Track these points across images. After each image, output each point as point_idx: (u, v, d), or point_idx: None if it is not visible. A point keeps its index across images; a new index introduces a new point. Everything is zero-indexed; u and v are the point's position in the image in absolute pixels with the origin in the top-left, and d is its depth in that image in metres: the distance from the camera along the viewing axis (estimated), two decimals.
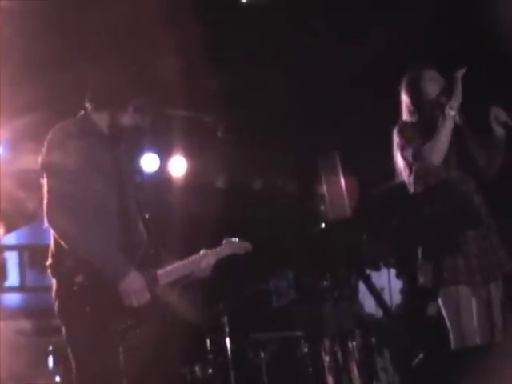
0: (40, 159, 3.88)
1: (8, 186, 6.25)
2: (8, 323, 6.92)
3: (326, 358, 6.79)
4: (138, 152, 4.25)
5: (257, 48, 6.60)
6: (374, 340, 6.94)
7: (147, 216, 4.06)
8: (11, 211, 6.66)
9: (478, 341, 4.54)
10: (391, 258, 7.47)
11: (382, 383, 6.77)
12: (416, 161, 4.59)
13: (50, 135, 3.90)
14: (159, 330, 3.85)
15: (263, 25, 6.38)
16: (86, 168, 3.82)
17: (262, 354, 6.97)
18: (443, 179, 4.62)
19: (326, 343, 6.85)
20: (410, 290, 7.45)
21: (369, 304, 7.68)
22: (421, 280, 4.67)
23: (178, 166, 8.33)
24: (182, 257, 4.20)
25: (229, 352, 6.95)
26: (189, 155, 8.30)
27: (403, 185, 4.85)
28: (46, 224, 3.80)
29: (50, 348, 6.65)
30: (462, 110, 4.59)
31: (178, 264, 4.09)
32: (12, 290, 8.30)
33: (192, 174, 8.36)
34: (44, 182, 3.85)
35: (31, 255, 8.35)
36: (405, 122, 4.81)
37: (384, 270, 7.60)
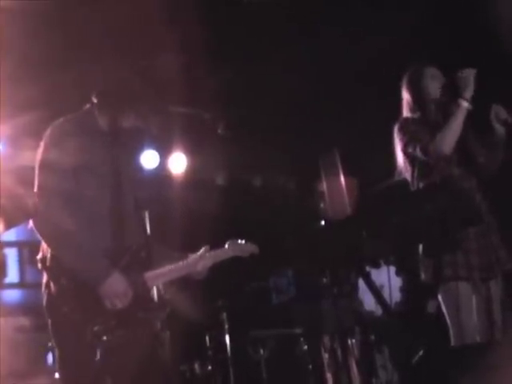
0: (38, 155, 3.87)
1: (8, 183, 6.23)
2: (7, 320, 6.91)
3: (326, 356, 6.78)
4: (138, 152, 4.21)
5: (257, 45, 6.60)
6: (373, 337, 6.94)
7: (146, 214, 4.03)
8: (11, 208, 6.63)
9: (477, 338, 4.55)
10: (391, 256, 7.47)
11: (382, 381, 6.78)
12: (427, 155, 4.58)
13: (48, 132, 3.88)
14: (141, 331, 3.83)
15: (263, 22, 6.38)
16: (80, 167, 3.79)
17: (262, 351, 6.96)
18: (444, 177, 4.62)
19: (326, 340, 6.85)
20: (410, 288, 7.45)
21: (368, 301, 7.68)
22: (422, 277, 4.68)
23: (178, 163, 8.32)
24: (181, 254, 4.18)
25: (228, 349, 6.95)
26: (189, 152, 8.29)
27: (403, 182, 4.85)
28: (30, 223, 3.80)
29: (50, 344, 6.65)
30: None
31: (171, 266, 4.02)
32: (11, 286, 8.28)
33: (192, 171, 8.35)
34: (36, 178, 3.84)
35: (31, 252, 8.32)
36: (406, 119, 4.81)
37: (384, 268, 7.60)
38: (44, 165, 3.81)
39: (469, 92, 4.52)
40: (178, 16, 5.80)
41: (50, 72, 5.87)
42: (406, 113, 4.85)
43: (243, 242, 4.32)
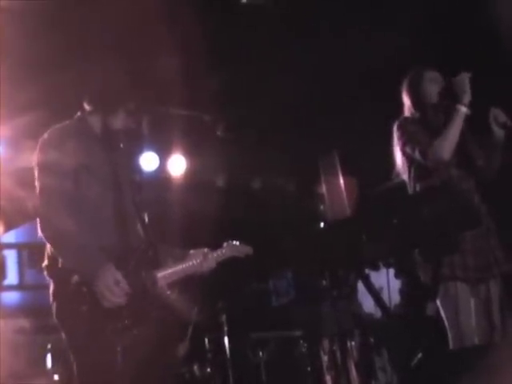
0: (34, 159, 3.87)
1: (8, 185, 6.26)
2: (7, 322, 6.92)
3: (325, 358, 6.78)
4: (137, 153, 4.23)
5: (256, 47, 6.60)
6: (372, 340, 6.94)
7: (146, 216, 4.05)
8: (11, 209, 6.66)
9: (476, 340, 4.55)
10: (390, 258, 7.47)
11: (381, 383, 6.77)
12: (426, 159, 4.58)
13: (45, 136, 3.89)
14: (157, 331, 3.84)
15: (262, 23, 6.38)
16: (80, 169, 3.80)
17: (261, 354, 6.97)
18: (443, 179, 4.63)
19: (325, 343, 6.85)
20: (409, 290, 7.45)
21: (368, 304, 7.68)
22: (421, 279, 4.68)
23: (178, 165, 8.33)
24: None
25: (227, 351, 6.95)
26: (188, 154, 8.30)
27: (403, 184, 4.86)
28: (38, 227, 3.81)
29: (49, 346, 6.65)
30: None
31: (178, 267, 4.08)
32: (11, 288, 8.29)
33: (191, 173, 8.36)
34: (36, 181, 3.84)
35: (30, 254, 8.35)
36: (405, 118, 4.82)
37: (383, 270, 7.60)
38: (45, 167, 3.82)
39: (467, 97, 4.53)
40: (177, 17, 5.80)
41: (49, 73, 5.87)
42: (406, 114, 4.86)
43: (237, 243, 4.43)
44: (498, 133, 4.65)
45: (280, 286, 8.64)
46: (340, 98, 7.07)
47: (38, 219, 3.79)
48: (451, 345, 4.58)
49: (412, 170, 4.73)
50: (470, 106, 4.54)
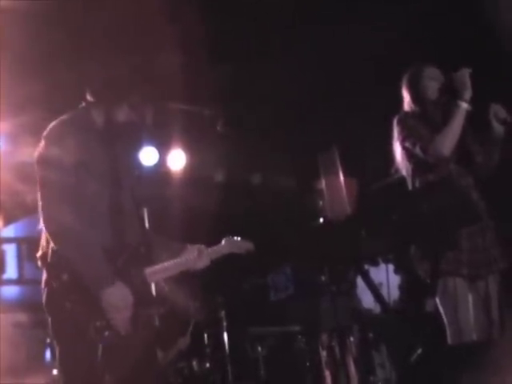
0: (36, 154, 3.87)
1: (8, 179, 6.26)
2: (6, 316, 6.93)
3: (324, 353, 6.78)
4: (136, 148, 4.20)
5: (257, 43, 6.60)
6: (371, 335, 6.94)
7: (145, 211, 4.04)
8: (10, 204, 6.67)
9: (474, 336, 4.56)
10: (390, 254, 7.48)
11: (379, 379, 6.77)
12: (426, 154, 4.58)
13: (47, 131, 3.88)
14: (143, 328, 3.84)
15: (263, 19, 6.38)
16: (80, 165, 3.79)
17: (260, 349, 6.96)
18: (442, 174, 4.63)
19: (324, 338, 6.84)
20: (408, 286, 7.46)
21: (367, 299, 7.68)
22: (420, 275, 4.69)
23: (177, 160, 8.33)
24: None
25: (226, 346, 6.96)
26: (188, 149, 8.29)
27: (402, 181, 4.86)
28: (40, 224, 3.80)
29: (48, 341, 6.66)
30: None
31: (171, 263, 4.03)
32: (10, 282, 8.30)
33: (191, 168, 8.35)
34: (38, 177, 3.84)
35: (29, 248, 8.34)
36: (406, 113, 4.81)
37: (382, 266, 7.60)
38: (45, 163, 3.81)
39: (467, 93, 4.53)
40: (178, 13, 5.80)
41: (49, 70, 5.88)
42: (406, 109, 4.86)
43: (239, 239, 4.36)
44: (498, 129, 4.65)
45: (279, 281, 8.64)
46: (340, 94, 7.07)
47: (41, 215, 3.79)
48: (450, 341, 4.58)
49: (412, 166, 4.73)
50: (471, 101, 4.54)
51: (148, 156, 7.93)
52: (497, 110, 4.65)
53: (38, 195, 3.80)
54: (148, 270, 3.88)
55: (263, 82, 6.93)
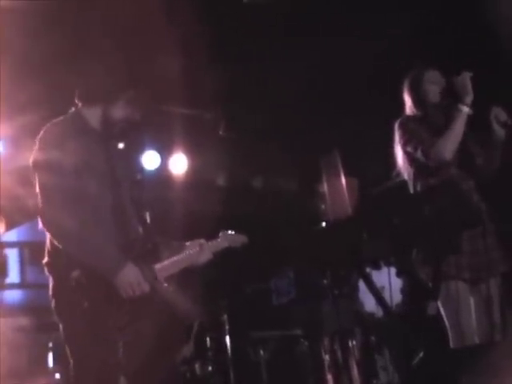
0: (31, 158, 3.87)
1: (9, 183, 6.26)
2: (8, 320, 6.92)
3: (326, 357, 6.79)
4: (135, 148, 4.22)
5: (257, 46, 6.60)
6: (373, 339, 6.94)
7: (147, 215, 4.06)
8: (12, 208, 6.67)
9: (476, 340, 4.55)
10: (391, 257, 7.47)
11: (382, 382, 6.78)
12: (428, 158, 4.58)
13: (41, 134, 3.88)
14: (157, 325, 3.84)
15: (264, 23, 6.38)
16: (79, 167, 3.80)
17: (262, 353, 6.97)
18: (443, 178, 4.63)
19: (326, 342, 6.85)
20: (411, 289, 7.45)
21: (369, 303, 7.68)
22: (422, 278, 4.69)
23: (179, 164, 8.34)
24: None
25: (229, 350, 6.96)
26: (189, 153, 8.30)
27: (403, 184, 4.86)
28: (40, 225, 3.81)
29: (50, 345, 6.66)
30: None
31: (176, 258, 4.09)
32: (12, 286, 8.30)
33: (193, 172, 8.36)
34: (36, 181, 3.84)
35: (32, 252, 8.36)
36: (407, 117, 4.81)
37: (384, 269, 7.60)
38: (44, 166, 3.81)
39: (469, 97, 4.53)
40: (179, 16, 5.80)
41: (50, 72, 5.87)
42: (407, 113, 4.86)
43: (233, 232, 4.49)
44: (499, 132, 4.65)
45: (281, 285, 8.64)
46: (341, 97, 7.07)
47: (40, 219, 3.80)
48: (452, 344, 4.58)
49: (413, 170, 4.73)
50: (471, 105, 4.54)
51: (150, 160, 7.94)
52: (498, 113, 4.64)
53: (38, 198, 3.81)
54: (157, 266, 3.93)
55: (265, 85, 6.93)
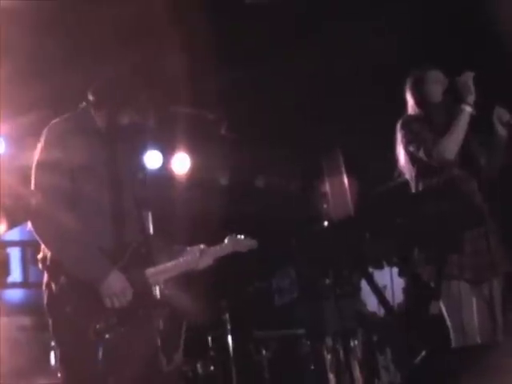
0: (35, 156, 3.86)
1: (11, 182, 6.25)
2: (10, 319, 6.92)
3: (328, 356, 6.79)
4: (139, 150, 4.18)
5: (260, 46, 6.60)
6: (375, 338, 6.94)
7: (149, 214, 4.03)
8: (14, 207, 6.65)
9: (478, 339, 4.55)
10: (394, 257, 7.48)
11: (384, 382, 6.78)
12: (430, 158, 4.58)
13: (45, 132, 3.86)
14: (144, 329, 3.83)
15: (267, 23, 6.38)
16: (79, 167, 3.77)
17: (264, 352, 6.97)
18: (445, 178, 4.63)
19: (328, 341, 6.86)
20: (413, 289, 7.45)
21: (371, 302, 7.68)
22: (424, 277, 4.69)
23: (182, 163, 8.33)
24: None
25: (231, 349, 6.96)
26: (192, 152, 8.30)
27: (406, 183, 4.86)
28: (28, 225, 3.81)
29: (52, 344, 6.66)
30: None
31: (170, 264, 4.00)
32: (15, 285, 8.30)
33: (195, 171, 8.36)
34: (32, 180, 3.83)
35: (34, 251, 8.32)
36: (410, 116, 4.81)
37: (386, 269, 7.62)
38: (42, 165, 3.80)
39: (471, 97, 4.53)
40: (182, 17, 5.80)
41: (52, 71, 5.88)
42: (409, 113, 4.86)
43: (242, 237, 4.32)
44: (502, 132, 4.65)
45: (283, 284, 8.64)
46: (344, 97, 7.07)
47: (32, 221, 3.79)
48: (454, 344, 4.58)
49: (415, 170, 4.73)
50: (474, 105, 4.53)
51: (152, 159, 7.93)
52: (500, 113, 4.64)
53: (32, 198, 3.79)
54: (149, 271, 3.87)
55: (267, 86, 6.93)
